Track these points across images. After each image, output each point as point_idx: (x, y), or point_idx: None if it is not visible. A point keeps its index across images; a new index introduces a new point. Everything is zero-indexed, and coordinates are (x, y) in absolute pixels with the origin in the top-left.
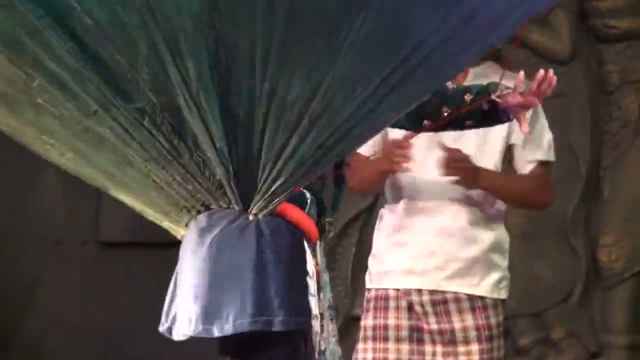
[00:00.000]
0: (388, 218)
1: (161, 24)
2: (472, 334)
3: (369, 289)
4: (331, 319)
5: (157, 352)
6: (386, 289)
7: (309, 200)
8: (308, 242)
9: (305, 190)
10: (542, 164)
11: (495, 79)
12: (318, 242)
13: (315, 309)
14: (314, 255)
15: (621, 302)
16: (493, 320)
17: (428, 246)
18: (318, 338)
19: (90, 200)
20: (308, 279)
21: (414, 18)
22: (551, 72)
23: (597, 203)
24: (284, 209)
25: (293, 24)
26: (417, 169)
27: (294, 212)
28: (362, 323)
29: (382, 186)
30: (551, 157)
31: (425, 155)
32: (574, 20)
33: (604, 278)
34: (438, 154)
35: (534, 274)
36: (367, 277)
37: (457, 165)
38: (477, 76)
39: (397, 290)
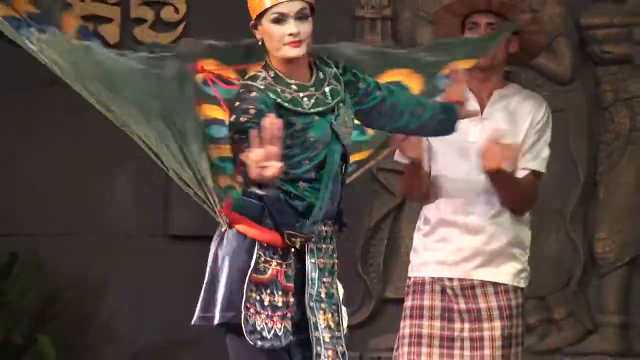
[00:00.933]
0: (426, 219)
1: None
2: (495, 312)
3: (409, 277)
4: (322, 311)
5: (217, 334)
6: (423, 277)
7: (265, 213)
8: (270, 248)
9: (262, 204)
10: (534, 173)
11: (516, 99)
12: (292, 248)
13: (266, 303)
14: (281, 258)
15: (613, 288)
16: (513, 302)
17: (458, 242)
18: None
19: (159, 197)
20: (248, 280)
21: None
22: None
23: (593, 203)
24: (236, 221)
25: None
26: (448, 174)
27: (241, 224)
28: (404, 305)
29: (426, 191)
30: (543, 169)
31: (457, 160)
32: (574, 46)
33: (599, 267)
34: (470, 159)
35: (540, 264)
36: (409, 268)
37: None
38: (501, 97)
39: (433, 277)
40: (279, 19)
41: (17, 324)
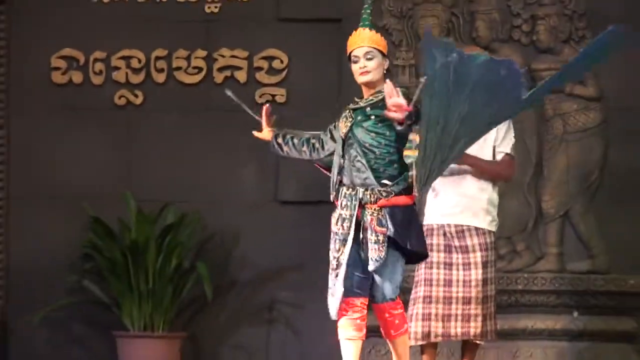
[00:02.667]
0: (433, 187)
1: None
2: (477, 247)
3: (424, 224)
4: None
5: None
6: (432, 224)
7: None
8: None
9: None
10: (507, 155)
11: None
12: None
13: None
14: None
15: (553, 230)
16: (488, 240)
17: (453, 202)
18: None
19: (272, 171)
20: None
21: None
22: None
23: (540, 178)
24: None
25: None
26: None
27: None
28: None
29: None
30: (513, 152)
31: None
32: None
33: (544, 218)
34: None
35: (508, 216)
36: (424, 218)
37: (467, 156)
38: None
39: (438, 224)
40: (355, 59)
41: (186, 256)
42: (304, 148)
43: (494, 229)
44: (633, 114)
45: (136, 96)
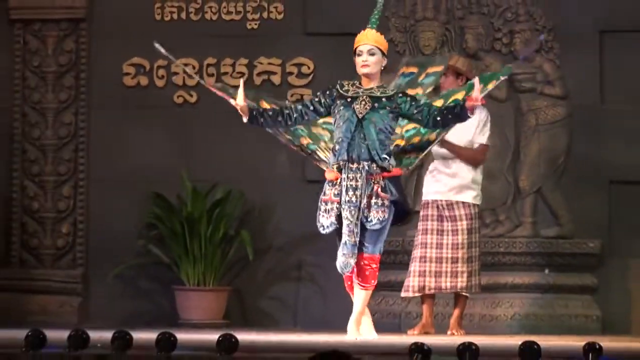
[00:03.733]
0: (431, 168)
1: None
2: (464, 217)
3: (422, 200)
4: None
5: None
6: (428, 200)
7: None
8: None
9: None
10: (482, 145)
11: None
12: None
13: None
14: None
15: (528, 203)
16: (472, 212)
17: (444, 181)
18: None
19: (300, 156)
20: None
21: None
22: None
23: (518, 162)
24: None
25: None
26: (437, 148)
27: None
28: (420, 214)
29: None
30: (487, 142)
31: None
32: (507, 84)
33: (521, 193)
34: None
35: (491, 192)
36: (423, 194)
37: (443, 141)
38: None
39: (433, 200)
40: (359, 53)
41: (231, 225)
42: (279, 118)
43: (478, 202)
44: (592, 110)
45: (191, 96)
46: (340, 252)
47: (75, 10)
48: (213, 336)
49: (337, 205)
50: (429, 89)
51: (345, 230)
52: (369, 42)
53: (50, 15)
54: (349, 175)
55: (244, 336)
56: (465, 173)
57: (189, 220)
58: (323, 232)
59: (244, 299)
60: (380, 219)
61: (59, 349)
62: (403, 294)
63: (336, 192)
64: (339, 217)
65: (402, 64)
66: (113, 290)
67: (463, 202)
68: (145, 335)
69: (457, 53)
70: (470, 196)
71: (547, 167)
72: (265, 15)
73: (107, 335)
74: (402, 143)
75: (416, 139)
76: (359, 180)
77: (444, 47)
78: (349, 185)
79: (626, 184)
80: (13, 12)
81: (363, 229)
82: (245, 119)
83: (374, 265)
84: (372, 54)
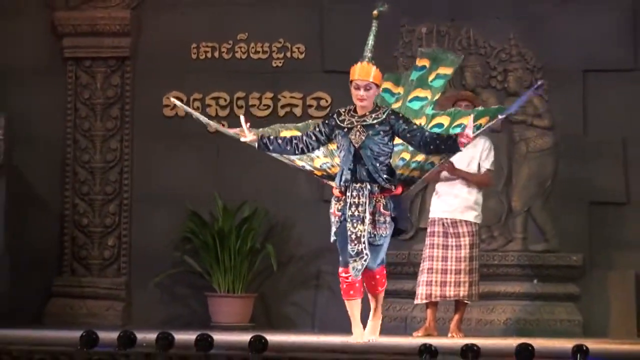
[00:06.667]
0: (437, 189)
1: None
2: (466, 233)
3: (429, 218)
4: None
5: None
6: (434, 217)
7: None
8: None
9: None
10: (488, 170)
11: (478, 138)
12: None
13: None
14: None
15: (519, 222)
16: (474, 229)
17: (449, 201)
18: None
19: (317, 181)
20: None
21: None
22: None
23: (510, 185)
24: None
25: None
26: (446, 173)
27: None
28: (427, 231)
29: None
30: (492, 167)
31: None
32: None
33: (513, 213)
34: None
35: (488, 212)
36: (430, 213)
37: (453, 169)
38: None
39: (439, 218)
40: (356, 87)
41: (257, 239)
42: (288, 147)
43: (478, 221)
44: (575, 140)
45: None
46: (349, 256)
47: (121, 50)
48: (243, 337)
49: (338, 220)
50: (437, 95)
51: (349, 240)
52: (366, 79)
53: (99, 54)
54: (353, 194)
55: (270, 337)
56: (467, 195)
57: (220, 235)
58: (332, 240)
59: (269, 304)
60: (384, 235)
61: (109, 348)
62: (415, 302)
63: (340, 207)
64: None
65: (417, 54)
66: (153, 296)
67: (466, 221)
68: (183, 337)
69: (457, 89)
70: (473, 215)
71: (536, 190)
72: (288, 54)
73: (150, 335)
74: (407, 157)
75: (421, 158)
76: (362, 197)
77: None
78: (352, 202)
79: (604, 204)
80: (66, 51)
81: (367, 243)
82: (255, 145)
83: (377, 276)
84: (368, 89)
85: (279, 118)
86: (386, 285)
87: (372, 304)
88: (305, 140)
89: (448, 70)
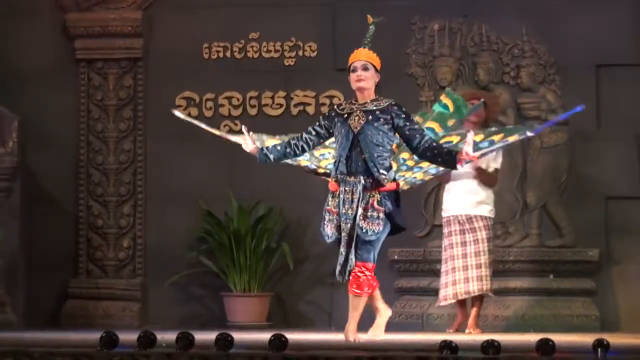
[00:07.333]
0: (448, 187)
1: None
2: (482, 227)
3: (443, 216)
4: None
5: None
6: (449, 215)
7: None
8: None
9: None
10: (496, 169)
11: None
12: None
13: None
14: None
15: (534, 217)
16: (489, 223)
17: (463, 197)
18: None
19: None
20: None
21: None
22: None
23: (525, 181)
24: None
25: None
26: (459, 171)
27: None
28: (443, 230)
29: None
30: (499, 166)
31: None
32: (514, 112)
33: (528, 208)
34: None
35: (503, 207)
36: (442, 211)
37: (475, 164)
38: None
39: (454, 215)
40: (354, 69)
41: (272, 238)
42: (288, 150)
43: (492, 215)
44: (589, 134)
45: (236, 125)
46: (339, 261)
47: (133, 51)
48: (262, 336)
49: (337, 217)
50: (447, 135)
51: (342, 242)
52: (362, 58)
53: (111, 55)
54: (346, 188)
55: (289, 336)
56: (479, 191)
57: (235, 235)
58: (327, 241)
59: (285, 303)
60: (375, 230)
61: (129, 349)
62: (441, 304)
63: (336, 204)
64: (338, 228)
65: (445, 92)
66: (168, 297)
67: (481, 216)
68: (201, 336)
69: (470, 86)
70: (486, 210)
71: (551, 185)
72: (300, 53)
73: (168, 336)
74: (412, 163)
75: (425, 164)
76: (355, 193)
77: (458, 80)
78: (345, 198)
79: (620, 199)
80: (79, 53)
81: (358, 237)
82: (256, 156)
83: (367, 273)
84: (366, 69)
85: (292, 117)
86: (370, 291)
87: (350, 310)
88: (305, 137)
89: (455, 139)
